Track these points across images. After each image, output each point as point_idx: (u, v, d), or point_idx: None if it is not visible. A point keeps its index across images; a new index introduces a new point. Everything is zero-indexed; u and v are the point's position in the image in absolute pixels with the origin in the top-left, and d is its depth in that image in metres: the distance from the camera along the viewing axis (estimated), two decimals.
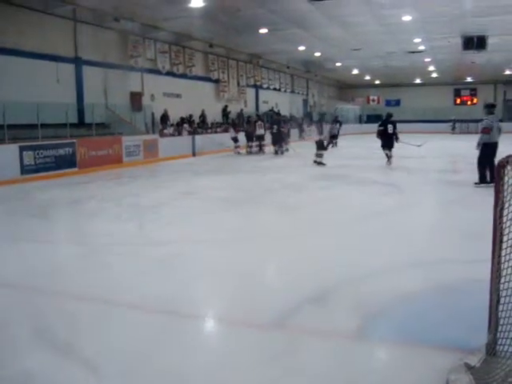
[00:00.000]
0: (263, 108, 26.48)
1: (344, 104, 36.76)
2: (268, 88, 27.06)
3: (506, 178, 2.31)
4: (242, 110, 23.30)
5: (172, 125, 17.82)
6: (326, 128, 13.98)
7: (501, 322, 2.37)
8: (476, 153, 8.72)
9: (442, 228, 6.02)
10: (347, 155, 16.41)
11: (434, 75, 33.15)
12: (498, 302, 2.37)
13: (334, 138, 19.03)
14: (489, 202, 2.52)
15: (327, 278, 4.03)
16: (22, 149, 10.56)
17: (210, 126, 20.45)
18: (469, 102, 37.14)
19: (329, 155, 13.15)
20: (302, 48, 21.74)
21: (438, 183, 9.71)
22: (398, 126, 12.88)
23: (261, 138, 17.99)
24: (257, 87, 26.00)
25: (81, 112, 13.89)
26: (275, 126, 17.34)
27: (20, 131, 11.05)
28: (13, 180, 10.04)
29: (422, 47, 22.40)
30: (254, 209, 7.46)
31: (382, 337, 3.04)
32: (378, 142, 12.82)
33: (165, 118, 17.44)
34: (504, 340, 2.35)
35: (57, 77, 13.30)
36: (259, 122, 18.09)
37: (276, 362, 2.69)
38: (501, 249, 2.33)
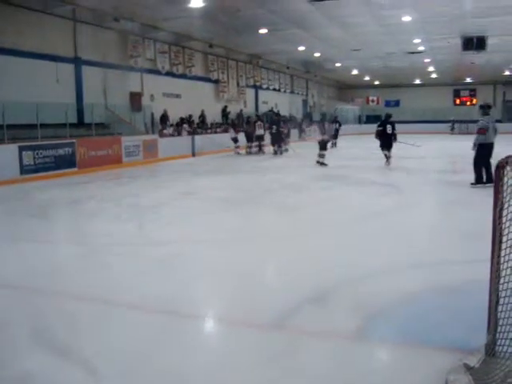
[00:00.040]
0: (263, 108, 26.48)
1: (343, 104, 36.80)
2: (268, 88, 27.07)
3: (506, 179, 2.32)
4: (241, 110, 23.30)
5: (172, 125, 17.82)
6: (330, 128, 13.94)
7: (500, 322, 2.37)
8: (473, 153, 8.74)
9: (441, 228, 6.03)
10: (346, 155, 16.41)
11: (434, 76, 33.19)
12: (498, 302, 2.37)
13: (333, 138, 19.03)
14: (488, 203, 2.53)
15: (327, 278, 4.04)
16: (21, 149, 10.56)
17: (209, 126, 20.45)
18: (468, 103, 37.17)
19: (328, 155, 13.15)
20: (301, 48, 21.75)
21: (438, 183, 9.72)
22: (398, 126, 12.90)
23: (260, 138, 18.00)
24: (256, 87, 26.01)
25: (80, 112, 13.89)
26: (274, 127, 17.35)
27: (19, 131, 11.05)
28: (12, 180, 10.04)
29: (421, 48, 22.42)
30: (253, 209, 7.47)
31: (381, 337, 3.04)
32: (377, 143, 12.84)
33: (164, 118, 17.44)
34: (503, 341, 2.36)
35: (56, 77, 13.30)
36: (259, 123, 18.10)
37: (275, 363, 2.70)
38: (500, 249, 2.34)
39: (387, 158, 12.59)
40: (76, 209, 7.63)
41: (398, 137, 12.79)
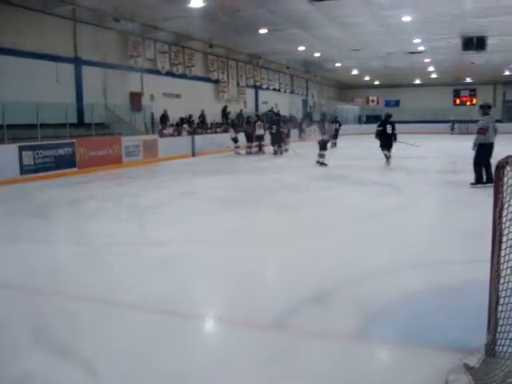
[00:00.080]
0: (263, 108, 26.48)
1: (343, 104, 36.79)
2: (268, 88, 27.07)
3: (506, 179, 2.32)
4: (241, 110, 23.30)
5: (172, 125, 17.82)
6: (330, 127, 13.92)
7: (500, 322, 2.37)
8: (473, 153, 8.74)
9: (441, 228, 6.03)
10: (346, 155, 16.41)
11: (434, 76, 33.19)
12: (498, 302, 2.37)
13: (333, 138, 19.02)
14: (488, 203, 2.53)
15: (327, 278, 4.04)
16: (21, 149, 10.56)
17: (209, 126, 20.45)
18: (468, 103, 37.18)
19: (328, 155, 13.15)
20: (301, 48, 21.75)
21: (438, 183, 9.72)
22: (398, 126, 12.90)
23: (260, 138, 18.00)
24: (256, 87, 26.00)
25: (80, 112, 13.89)
26: (274, 127, 17.35)
27: (19, 131, 11.05)
28: (12, 180, 10.04)
29: (421, 48, 22.42)
30: (253, 209, 7.47)
31: (381, 337, 3.04)
32: (377, 143, 12.84)
33: (164, 118, 17.44)
34: (503, 341, 2.36)
35: (56, 77, 13.30)
36: (259, 123, 18.10)
37: (275, 363, 2.70)
38: (500, 249, 2.34)
39: (387, 158, 12.60)
40: (76, 209, 7.63)
41: (398, 137, 12.79)
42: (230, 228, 6.07)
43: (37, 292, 3.89)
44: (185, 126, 18.08)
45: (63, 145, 11.73)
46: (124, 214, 7.02)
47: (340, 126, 22.51)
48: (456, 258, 4.51)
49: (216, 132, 20.03)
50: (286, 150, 17.51)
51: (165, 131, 16.91)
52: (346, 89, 40.38)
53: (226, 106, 22.33)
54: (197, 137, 17.59)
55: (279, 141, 17.27)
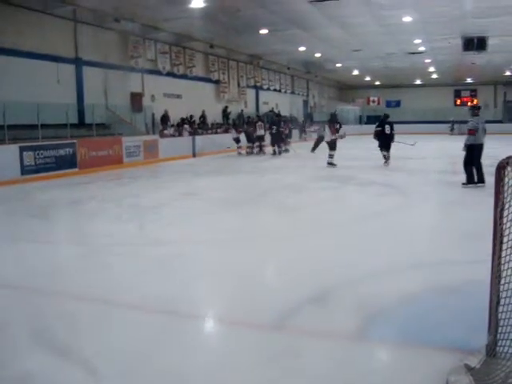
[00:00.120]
0: (263, 109, 26.48)
1: (344, 105, 36.78)
2: (268, 89, 27.07)
3: (506, 179, 2.31)
4: (242, 110, 23.31)
5: (172, 125, 17.83)
6: (342, 128, 13.84)
7: (501, 323, 2.37)
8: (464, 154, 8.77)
9: (441, 228, 6.02)
10: (347, 156, 16.36)
11: (434, 76, 33.16)
12: (498, 303, 2.37)
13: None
14: (488, 203, 2.53)
15: (327, 278, 4.04)
16: (22, 149, 10.56)
17: (210, 126, 20.46)
18: (469, 103, 37.12)
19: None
20: (302, 49, 21.75)
21: (438, 184, 9.71)
22: (399, 126, 12.90)
23: (261, 138, 18.00)
24: (257, 88, 26.01)
25: (81, 112, 13.90)
26: (274, 127, 17.34)
27: (20, 131, 11.06)
28: (13, 180, 10.04)
29: (422, 48, 22.40)
30: (253, 209, 7.47)
31: (381, 337, 3.03)
32: (377, 143, 12.83)
33: (165, 118, 17.44)
34: (504, 341, 2.35)
35: (57, 77, 13.31)
36: (259, 123, 18.11)
37: (275, 363, 2.69)
38: (501, 250, 2.34)
39: (386, 158, 12.59)
40: (77, 209, 7.63)
41: (396, 137, 12.79)
42: (230, 228, 6.06)
43: (37, 292, 3.89)
44: (185, 126, 18.09)
45: (64, 145, 11.73)
46: (124, 215, 7.03)
47: (341, 126, 22.44)
48: (456, 258, 4.50)
49: (217, 132, 20.03)
50: (287, 151, 17.50)
51: (165, 132, 16.92)
52: (346, 89, 40.38)
53: (226, 107, 22.35)
54: (197, 137, 17.60)
55: (279, 141, 17.27)
